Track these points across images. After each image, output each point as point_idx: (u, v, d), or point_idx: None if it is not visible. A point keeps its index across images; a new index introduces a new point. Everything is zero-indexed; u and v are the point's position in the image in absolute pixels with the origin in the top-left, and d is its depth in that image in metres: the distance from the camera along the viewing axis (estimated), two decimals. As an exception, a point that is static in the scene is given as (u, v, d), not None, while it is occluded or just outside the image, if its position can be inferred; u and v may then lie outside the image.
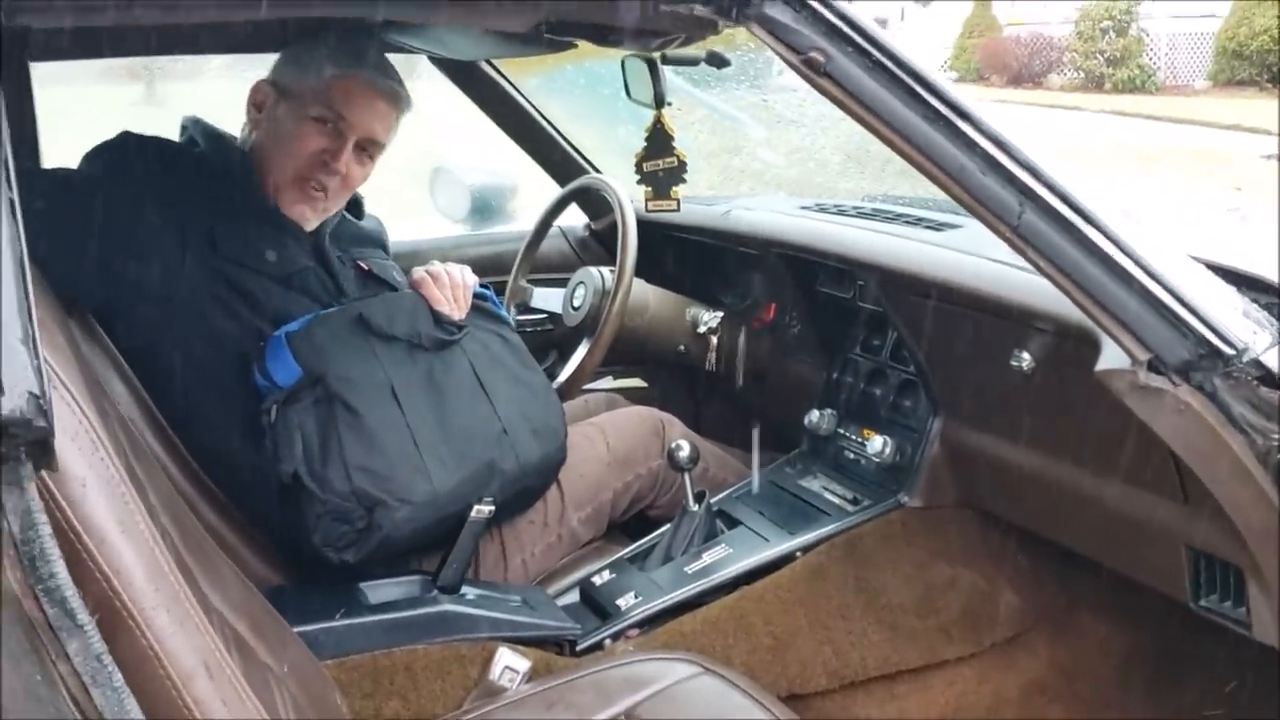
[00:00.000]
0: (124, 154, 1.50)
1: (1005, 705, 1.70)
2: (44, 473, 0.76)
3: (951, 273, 1.55)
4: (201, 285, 1.45)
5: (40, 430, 0.73)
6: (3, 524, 0.72)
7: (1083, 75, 17.67)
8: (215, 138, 1.60)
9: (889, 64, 1.05)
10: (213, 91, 2.18)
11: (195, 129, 1.60)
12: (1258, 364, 1.12)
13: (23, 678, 0.69)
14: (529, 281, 2.18)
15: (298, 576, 1.52)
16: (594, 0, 1.09)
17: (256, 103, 1.59)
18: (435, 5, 1.06)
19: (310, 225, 1.58)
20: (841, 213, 1.97)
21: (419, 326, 1.53)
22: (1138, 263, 1.10)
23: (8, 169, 0.77)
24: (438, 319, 1.56)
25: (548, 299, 2.11)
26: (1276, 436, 1.14)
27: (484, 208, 2.38)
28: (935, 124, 1.06)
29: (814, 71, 1.05)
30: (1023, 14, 19.82)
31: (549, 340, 2.16)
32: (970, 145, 1.06)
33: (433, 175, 2.35)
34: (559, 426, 1.67)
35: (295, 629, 1.26)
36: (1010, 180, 1.06)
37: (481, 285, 1.69)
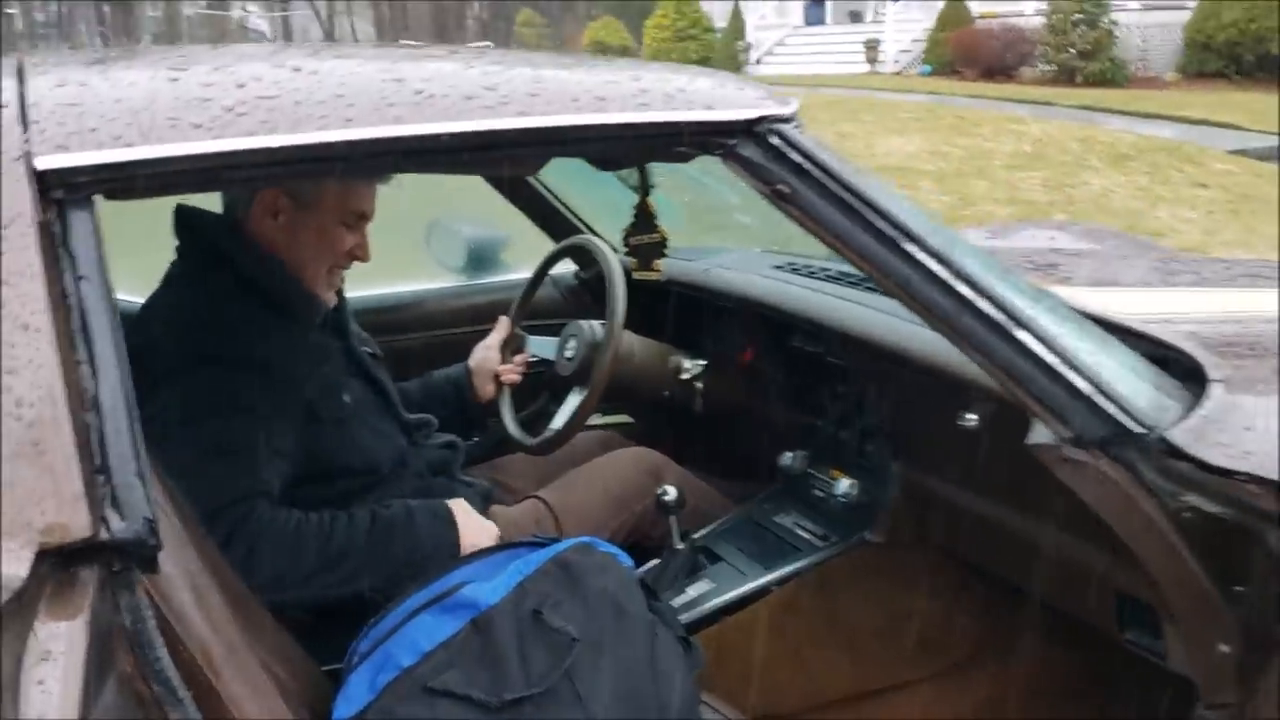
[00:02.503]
0: None
1: (961, 721, 1.89)
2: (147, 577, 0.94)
3: (907, 341, 1.73)
4: None
5: (151, 548, 0.89)
6: (120, 621, 0.89)
7: (1055, 68, 17.82)
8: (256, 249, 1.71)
9: (845, 194, 1.22)
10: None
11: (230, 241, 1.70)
12: (1164, 440, 1.30)
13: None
14: (523, 329, 2.34)
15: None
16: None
17: (273, 212, 1.69)
18: (466, 164, 1.22)
19: (332, 303, 1.75)
20: (811, 274, 2.15)
21: None
22: (1062, 357, 1.27)
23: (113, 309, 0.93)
24: None
25: (541, 346, 2.28)
26: (1184, 500, 1.33)
27: (479, 259, 2.55)
28: (883, 243, 1.23)
29: (781, 200, 1.22)
30: (995, 7, 19.98)
31: (541, 383, 2.33)
32: (913, 262, 1.23)
33: (428, 228, 2.51)
34: None
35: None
36: (949, 291, 1.24)
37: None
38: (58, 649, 0.81)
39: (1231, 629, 1.34)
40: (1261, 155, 11.46)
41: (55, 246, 0.90)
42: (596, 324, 2.14)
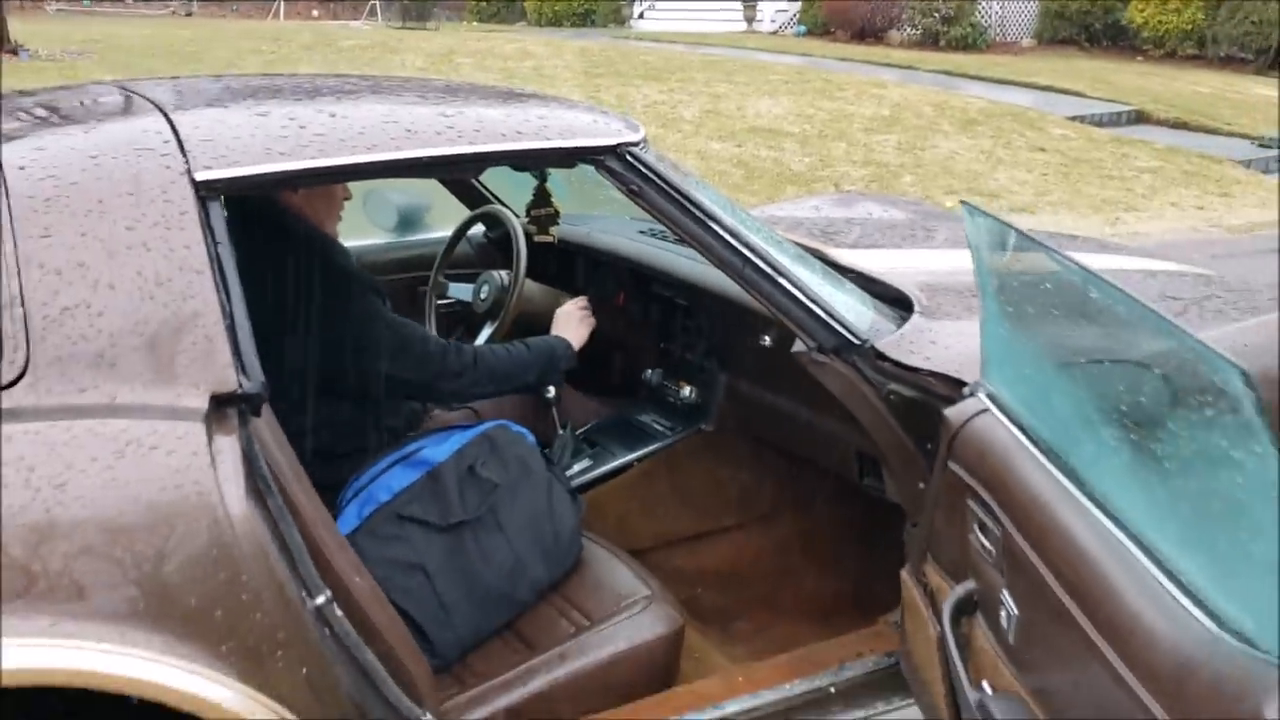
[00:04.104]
0: None
1: (765, 556, 2.66)
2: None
3: (726, 286, 2.46)
4: None
5: (261, 399, 1.56)
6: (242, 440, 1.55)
7: (920, 32, 18.61)
8: None
9: (672, 191, 1.93)
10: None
11: None
12: (875, 349, 2.04)
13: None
14: (445, 278, 3.02)
15: None
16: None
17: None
18: (435, 172, 1.90)
19: None
20: (665, 238, 2.87)
21: None
22: (808, 294, 2.01)
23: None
24: None
25: (460, 291, 2.96)
26: (891, 388, 2.07)
27: (407, 220, 3.20)
28: (695, 223, 1.94)
29: (632, 195, 1.93)
30: (868, -29, 20.69)
31: (458, 320, 3.00)
32: (715, 234, 1.95)
33: (365, 196, 3.13)
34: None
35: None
36: (736, 253, 1.96)
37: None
38: (227, 449, 1.48)
39: (925, 471, 2.10)
40: (1097, 121, 12.51)
41: (206, 225, 1.56)
42: (504, 273, 2.82)
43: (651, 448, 2.65)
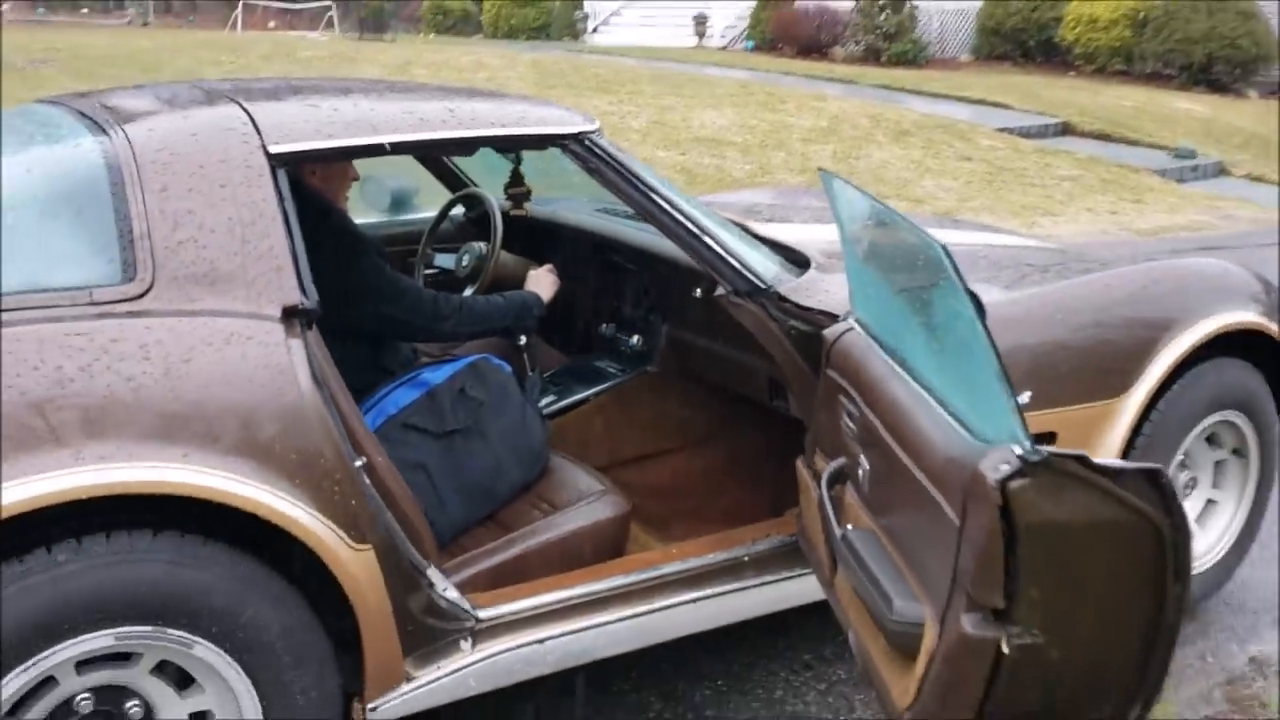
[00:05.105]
0: None
1: (697, 473, 3.25)
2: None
3: (666, 253, 3.04)
4: None
5: (315, 314, 2.12)
6: (303, 344, 2.11)
7: (863, 48, 19.28)
8: None
9: (624, 171, 2.51)
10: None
11: None
12: (779, 294, 2.63)
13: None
14: (431, 249, 3.58)
15: None
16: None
17: (310, 172, 2.81)
18: (440, 150, 2.49)
19: None
20: (616, 214, 3.45)
21: None
22: (729, 251, 2.59)
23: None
24: None
25: (444, 260, 3.52)
26: (791, 324, 2.66)
27: (398, 202, 3.77)
28: (643, 196, 2.53)
29: (592, 173, 2.51)
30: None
31: (442, 286, 3.56)
32: (657, 205, 2.53)
33: (363, 182, 3.68)
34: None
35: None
36: (671, 217, 2.54)
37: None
38: (296, 345, 2.03)
39: (815, 386, 2.68)
40: (1025, 132, 13.25)
41: (276, 187, 2.12)
42: (482, 245, 3.39)
43: (605, 385, 3.23)
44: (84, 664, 1.88)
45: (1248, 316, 2.95)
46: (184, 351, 1.90)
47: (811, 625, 2.96)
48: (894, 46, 19.16)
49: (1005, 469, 1.52)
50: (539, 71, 14.65)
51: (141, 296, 1.94)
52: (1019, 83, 16.81)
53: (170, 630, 1.89)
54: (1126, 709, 1.72)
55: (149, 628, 1.87)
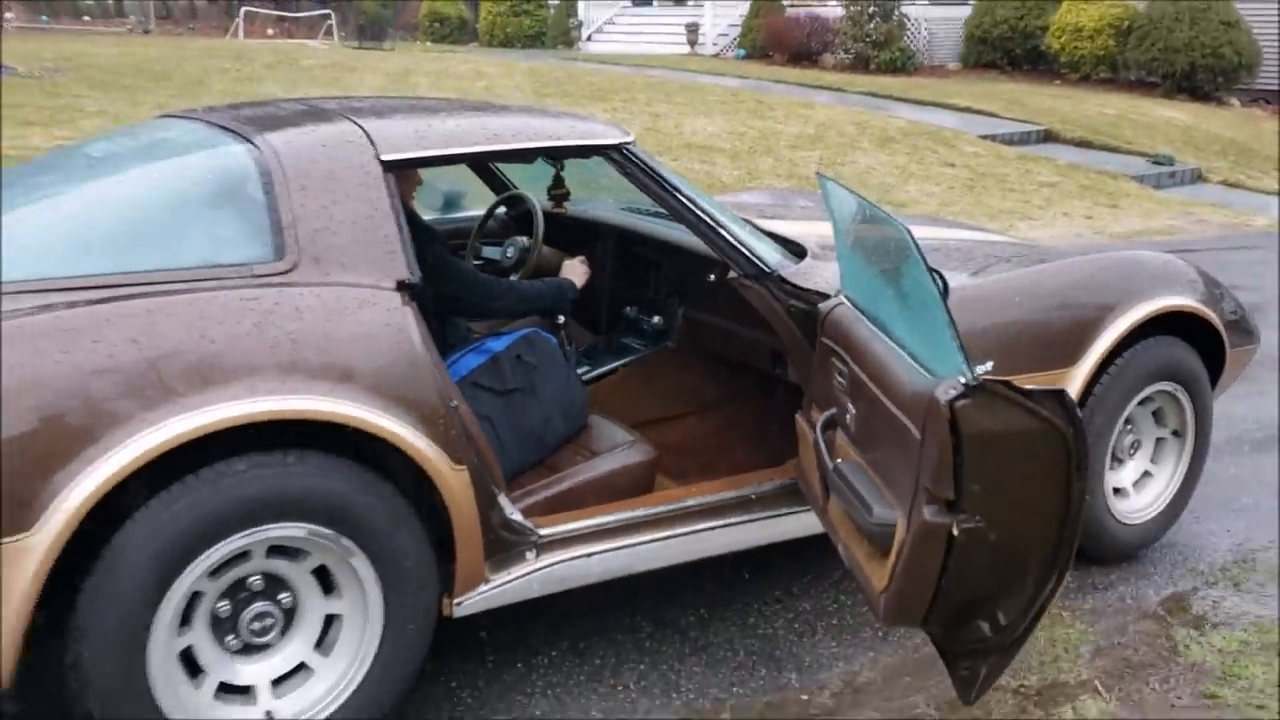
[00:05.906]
0: None
1: (710, 435, 3.81)
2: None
3: (684, 244, 3.61)
4: None
5: (421, 289, 2.69)
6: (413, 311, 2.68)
7: (852, 56, 19.79)
8: None
9: (656, 175, 3.07)
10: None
11: None
12: (782, 277, 3.20)
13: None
14: (479, 243, 4.14)
15: None
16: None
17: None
18: (504, 159, 3.07)
19: None
20: (640, 212, 4.02)
21: None
22: (740, 241, 3.16)
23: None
24: None
25: (491, 252, 4.08)
26: (791, 303, 3.22)
27: (449, 203, 4.36)
28: (671, 197, 3.09)
29: (629, 177, 3.08)
30: (804, -2, 21.88)
31: (490, 274, 4.13)
32: (684, 204, 3.10)
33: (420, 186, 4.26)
34: None
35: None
36: (696, 216, 3.09)
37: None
38: (410, 311, 2.59)
39: (811, 355, 3.25)
40: (1008, 140, 13.84)
41: (388, 187, 2.68)
42: (525, 238, 3.95)
43: (630, 358, 3.80)
44: (272, 550, 2.43)
45: (1184, 301, 3.52)
46: (327, 314, 2.46)
47: (782, 568, 3.56)
48: (883, 54, 19.70)
49: (952, 393, 2.09)
50: (536, 80, 15.16)
51: (289, 272, 2.50)
52: (1005, 90, 17.35)
53: (344, 539, 2.45)
54: (1043, 583, 2.29)
55: (330, 531, 2.43)
